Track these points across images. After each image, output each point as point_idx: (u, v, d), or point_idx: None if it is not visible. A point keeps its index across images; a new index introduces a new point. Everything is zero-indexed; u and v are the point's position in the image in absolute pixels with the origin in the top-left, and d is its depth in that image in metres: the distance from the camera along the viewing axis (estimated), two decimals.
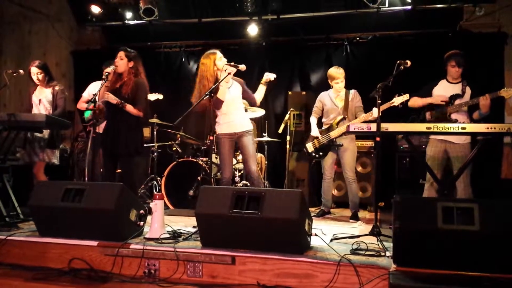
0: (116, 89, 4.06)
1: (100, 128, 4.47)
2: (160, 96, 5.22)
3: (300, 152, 5.64)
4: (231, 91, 3.93)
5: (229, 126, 3.94)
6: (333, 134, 4.59)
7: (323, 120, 4.79)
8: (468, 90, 4.08)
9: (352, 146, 4.62)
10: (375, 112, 4.28)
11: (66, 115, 4.60)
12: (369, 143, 5.47)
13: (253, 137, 4.04)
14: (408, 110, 4.29)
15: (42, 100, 4.52)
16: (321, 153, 4.69)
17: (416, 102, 4.24)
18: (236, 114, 3.97)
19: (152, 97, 5.13)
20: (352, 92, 4.68)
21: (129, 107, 4.01)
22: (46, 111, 4.48)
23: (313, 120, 4.80)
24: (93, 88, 5.14)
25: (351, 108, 4.61)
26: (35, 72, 4.49)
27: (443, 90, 4.18)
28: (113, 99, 3.95)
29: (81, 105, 4.95)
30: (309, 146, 4.76)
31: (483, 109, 3.90)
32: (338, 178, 5.28)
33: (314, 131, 4.72)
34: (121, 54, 4.07)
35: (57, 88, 4.53)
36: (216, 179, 4.88)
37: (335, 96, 4.69)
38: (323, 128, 4.72)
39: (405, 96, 4.22)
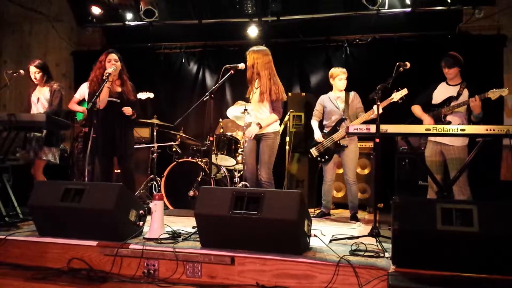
0: (119, 93, 4.19)
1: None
2: (151, 95, 5.28)
3: (300, 153, 5.64)
4: (256, 93, 4.20)
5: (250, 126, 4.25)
6: (336, 136, 4.59)
7: (325, 122, 4.78)
8: (465, 92, 4.04)
9: (354, 148, 4.62)
10: (376, 110, 4.31)
11: (62, 114, 4.61)
12: (369, 144, 5.47)
13: (274, 143, 4.17)
14: (409, 108, 4.29)
15: (40, 99, 4.54)
16: (326, 157, 4.67)
17: (416, 111, 4.26)
18: (256, 116, 4.20)
19: (143, 95, 5.17)
20: (352, 94, 4.69)
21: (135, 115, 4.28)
22: (43, 109, 4.49)
23: (315, 124, 4.79)
24: (85, 89, 5.12)
25: (351, 109, 4.62)
26: (33, 71, 4.54)
27: (441, 92, 4.18)
28: (129, 112, 4.15)
29: (73, 105, 4.92)
30: (314, 151, 4.74)
31: (475, 111, 3.90)
32: (337, 179, 5.27)
33: (317, 135, 4.71)
34: (115, 56, 4.22)
35: (55, 86, 4.56)
36: (216, 180, 4.89)
37: (336, 98, 4.69)
38: (325, 130, 4.72)
39: (404, 91, 4.23)
